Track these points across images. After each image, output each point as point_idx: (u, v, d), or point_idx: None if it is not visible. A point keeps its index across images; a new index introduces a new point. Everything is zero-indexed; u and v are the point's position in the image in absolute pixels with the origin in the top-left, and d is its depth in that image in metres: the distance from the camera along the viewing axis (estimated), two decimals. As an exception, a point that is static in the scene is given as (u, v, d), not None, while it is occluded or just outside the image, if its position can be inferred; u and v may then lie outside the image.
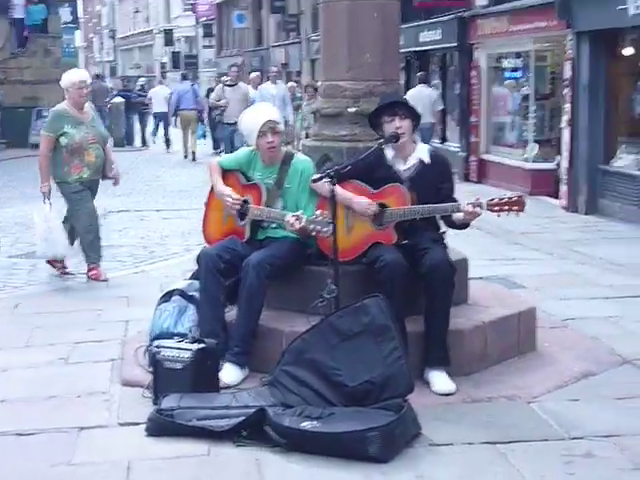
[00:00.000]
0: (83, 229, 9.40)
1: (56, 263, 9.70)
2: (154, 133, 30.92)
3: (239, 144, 17.51)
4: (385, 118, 6.01)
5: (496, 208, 5.65)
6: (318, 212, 5.73)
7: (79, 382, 6.09)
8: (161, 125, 29.75)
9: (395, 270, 5.63)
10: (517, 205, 5.63)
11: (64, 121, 9.15)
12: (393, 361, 5.21)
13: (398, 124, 5.93)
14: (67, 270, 9.74)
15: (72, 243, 9.57)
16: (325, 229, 5.61)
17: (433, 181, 5.98)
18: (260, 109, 6.58)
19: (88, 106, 9.51)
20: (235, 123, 17.95)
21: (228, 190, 6.29)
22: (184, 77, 29.39)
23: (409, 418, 5.04)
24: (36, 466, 4.81)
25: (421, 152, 6.10)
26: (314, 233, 5.72)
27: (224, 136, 21.10)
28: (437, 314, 5.76)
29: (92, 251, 9.47)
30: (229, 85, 20.88)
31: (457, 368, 5.88)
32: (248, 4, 49.96)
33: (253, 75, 23.47)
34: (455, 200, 5.89)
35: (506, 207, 5.63)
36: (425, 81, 20.19)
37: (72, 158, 9.15)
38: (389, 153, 6.05)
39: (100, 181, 9.59)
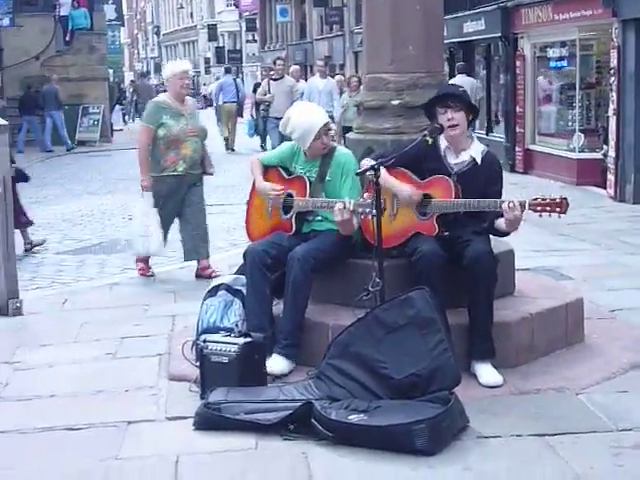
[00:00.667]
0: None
1: (140, 263, 9.56)
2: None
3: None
4: (438, 109, 5.98)
5: (538, 208, 5.59)
6: (365, 195, 5.74)
7: (127, 377, 6.13)
8: None
9: (431, 262, 5.63)
10: (559, 207, 5.57)
11: (163, 112, 8.95)
12: (439, 353, 5.19)
13: (450, 115, 5.90)
14: (150, 272, 9.55)
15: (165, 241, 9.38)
16: (373, 211, 5.58)
17: (481, 181, 5.93)
18: (313, 111, 6.51)
19: (189, 98, 9.31)
20: (282, 118, 17.80)
21: (269, 185, 6.32)
22: (227, 70, 29.77)
23: (456, 411, 5.02)
24: (85, 460, 4.85)
25: (475, 150, 6.05)
26: (362, 216, 5.73)
27: (270, 130, 20.36)
28: (480, 306, 5.73)
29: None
30: (274, 79, 20.43)
31: (504, 360, 5.85)
32: (291, -2, 50.05)
33: (293, 68, 22.96)
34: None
35: (548, 208, 5.57)
36: (465, 71, 20.18)
37: (168, 151, 9.00)
38: (442, 144, 6.02)
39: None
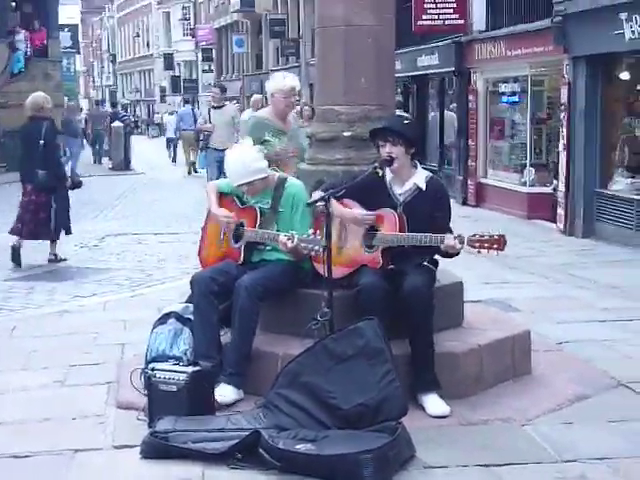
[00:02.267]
0: None
1: None
2: (171, 157, 35.32)
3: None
4: (379, 142, 6.06)
5: (477, 244, 5.68)
6: (310, 231, 5.80)
7: (75, 405, 6.10)
8: (172, 146, 35.72)
9: (371, 294, 5.70)
10: (497, 244, 5.65)
11: (265, 129, 8.07)
12: (387, 384, 5.23)
13: (388, 149, 5.98)
14: None
15: None
16: (316, 247, 5.69)
17: (427, 208, 6.00)
18: (240, 163, 6.29)
19: (292, 116, 8.59)
20: (223, 150, 17.07)
21: (223, 211, 6.35)
22: (186, 101, 31.17)
23: (403, 440, 5.05)
24: (31, 488, 4.82)
25: (418, 178, 6.13)
26: (306, 252, 5.79)
27: (209, 162, 18.40)
28: (419, 339, 5.79)
29: None
30: (215, 107, 18.74)
31: (452, 391, 5.89)
32: (247, 29, 50.25)
33: (256, 97, 21.32)
34: (451, 230, 5.89)
35: (486, 244, 5.65)
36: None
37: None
38: (388, 175, 6.09)
39: None
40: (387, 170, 6.06)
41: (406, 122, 6.34)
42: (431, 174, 6.27)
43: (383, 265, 5.93)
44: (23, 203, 12.11)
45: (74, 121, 29.30)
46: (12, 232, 12.07)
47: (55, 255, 12.28)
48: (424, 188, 6.08)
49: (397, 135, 6.00)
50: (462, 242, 5.67)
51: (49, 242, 12.26)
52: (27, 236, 12.08)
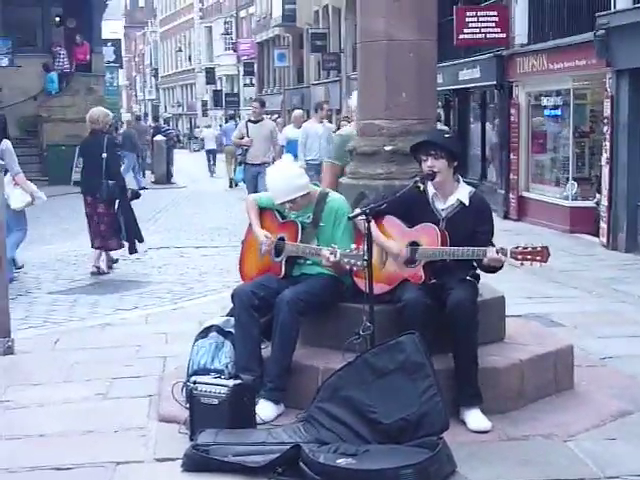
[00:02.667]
0: None
1: None
2: (210, 169, 37.68)
3: (264, 189, 15.22)
4: (421, 157, 6.05)
5: (519, 256, 5.65)
6: (352, 246, 5.80)
7: (116, 417, 6.13)
8: (211, 158, 38.69)
9: (415, 310, 5.68)
10: (540, 255, 5.62)
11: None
12: (428, 399, 5.21)
13: (430, 163, 5.97)
14: None
15: None
16: (359, 263, 5.68)
17: (470, 223, 5.98)
18: (280, 180, 6.26)
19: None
20: (260, 164, 16.59)
21: (262, 234, 6.35)
22: (230, 117, 31.80)
23: (444, 456, 5.03)
24: (73, 500, 4.85)
25: (461, 193, 6.11)
26: (348, 267, 5.79)
27: (246, 178, 17.66)
28: (463, 353, 5.77)
29: None
30: (252, 121, 17.87)
31: (493, 406, 5.86)
32: (289, 43, 50.44)
33: (297, 113, 21.77)
34: (493, 245, 5.87)
35: (529, 256, 5.63)
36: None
37: None
38: (430, 190, 6.08)
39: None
40: (429, 185, 6.05)
41: (447, 136, 6.33)
42: (474, 189, 6.25)
43: (425, 280, 5.91)
44: (88, 217, 12.45)
45: (133, 136, 29.77)
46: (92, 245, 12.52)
47: (98, 268, 12.45)
48: (467, 204, 6.06)
49: (439, 149, 5.99)
50: (505, 254, 5.65)
51: (96, 253, 12.48)
52: (98, 246, 12.46)
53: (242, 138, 17.58)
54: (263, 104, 19.49)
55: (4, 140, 11.71)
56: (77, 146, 28.79)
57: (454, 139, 6.59)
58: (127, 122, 32.17)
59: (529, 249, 5.64)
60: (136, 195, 13.07)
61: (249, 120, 18.18)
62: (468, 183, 6.37)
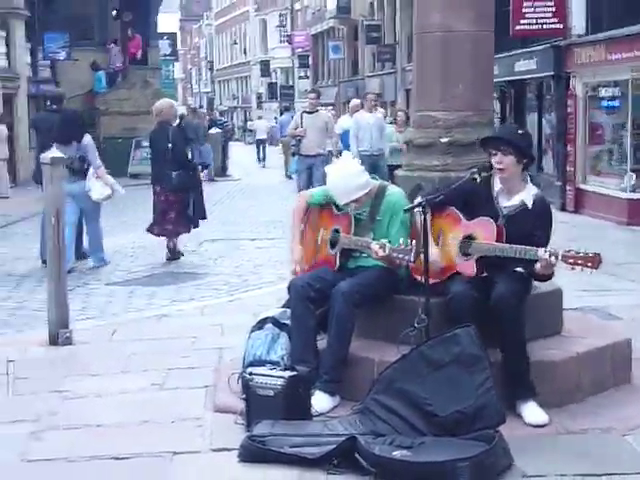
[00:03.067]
0: None
1: None
2: (258, 157, 39.09)
3: (318, 181, 15.05)
4: (491, 150, 6.01)
5: (570, 260, 5.57)
6: (401, 240, 5.79)
7: (173, 408, 6.17)
8: (261, 148, 40.52)
9: (462, 303, 5.65)
10: (592, 262, 5.53)
11: None
12: (484, 392, 5.19)
13: (499, 159, 5.92)
14: None
15: None
16: (407, 257, 5.68)
17: (529, 226, 5.90)
18: (342, 181, 6.20)
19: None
20: (315, 155, 16.72)
21: (298, 257, 6.44)
22: (286, 109, 31.89)
23: (500, 449, 5.01)
24: (130, 490, 4.90)
25: (527, 194, 6.04)
26: (397, 262, 5.78)
27: (300, 169, 17.68)
28: (509, 347, 5.73)
29: None
30: (308, 112, 17.69)
31: (550, 399, 5.82)
32: (344, 35, 50.39)
33: (355, 102, 21.38)
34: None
35: (580, 261, 5.53)
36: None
37: None
38: (497, 185, 6.04)
39: None
40: (497, 180, 6.00)
41: (520, 132, 6.25)
42: (539, 191, 6.16)
43: (477, 273, 5.88)
44: (156, 205, 12.95)
45: (204, 127, 29.80)
46: (148, 231, 13.15)
47: (172, 252, 13.00)
48: (530, 206, 6.01)
49: (509, 144, 5.94)
50: (557, 257, 5.59)
51: (171, 239, 13.02)
52: (160, 234, 13.05)
53: (297, 129, 17.44)
54: (319, 95, 19.35)
55: (86, 135, 12.35)
56: (133, 138, 29.50)
57: (527, 136, 6.50)
58: (198, 115, 32.35)
59: (581, 254, 5.56)
60: (206, 166, 13.54)
61: (304, 111, 18.01)
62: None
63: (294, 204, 6.72)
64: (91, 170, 12.08)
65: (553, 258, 5.58)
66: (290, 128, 18.20)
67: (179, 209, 12.85)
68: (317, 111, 17.81)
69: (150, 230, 13.10)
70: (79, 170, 11.98)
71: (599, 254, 5.56)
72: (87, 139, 12.28)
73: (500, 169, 5.92)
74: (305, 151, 17.16)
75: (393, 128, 18.19)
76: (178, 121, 14.12)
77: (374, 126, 17.61)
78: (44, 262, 11.08)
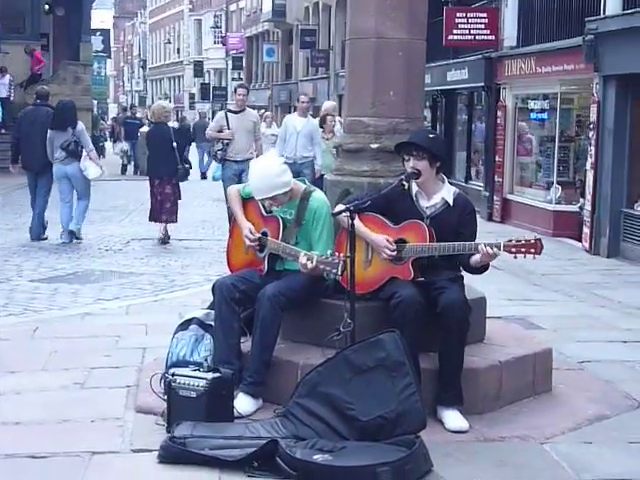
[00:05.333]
0: None
1: None
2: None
3: None
4: (404, 156, 6.06)
5: (513, 249, 5.66)
6: (329, 252, 5.77)
7: (93, 407, 6.11)
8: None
9: (410, 306, 5.65)
10: (534, 248, 5.64)
11: None
12: (406, 397, 5.22)
13: (412, 164, 5.97)
14: None
15: None
16: (334, 270, 5.63)
17: (454, 223, 5.99)
18: (261, 176, 6.18)
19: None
20: (244, 161, 14.36)
21: (247, 228, 6.31)
22: (221, 109, 32.17)
23: (421, 454, 5.03)
24: (47, 489, 4.83)
25: (446, 192, 6.11)
26: (324, 274, 5.74)
27: (227, 176, 15.06)
28: (451, 353, 5.77)
29: None
30: (234, 112, 15.35)
31: (471, 407, 5.87)
32: (278, 38, 50.42)
33: (268, 113, 21.20)
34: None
35: (523, 249, 5.64)
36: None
37: None
38: (414, 188, 6.08)
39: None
40: (413, 183, 6.05)
41: (432, 136, 6.32)
42: (458, 190, 6.25)
43: (414, 277, 5.91)
44: (154, 196, 14.72)
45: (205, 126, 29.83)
46: (151, 219, 15.03)
47: (166, 234, 14.93)
48: (451, 203, 6.06)
49: (422, 149, 5.99)
50: (499, 247, 5.65)
51: (163, 225, 14.87)
52: (159, 221, 14.86)
53: (221, 131, 15.13)
54: (248, 91, 16.99)
55: (79, 122, 14.50)
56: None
57: (439, 140, 6.58)
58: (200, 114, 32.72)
59: (522, 242, 5.65)
60: (185, 176, 15.05)
61: (229, 110, 15.84)
62: (453, 184, 6.38)
63: (229, 195, 6.65)
64: (84, 152, 14.14)
65: (495, 249, 5.63)
66: (211, 129, 15.63)
67: (174, 200, 14.72)
68: (245, 110, 15.48)
69: (155, 219, 14.90)
70: (74, 153, 14.01)
71: (539, 239, 5.66)
72: (80, 126, 14.37)
73: (415, 173, 5.96)
74: (233, 156, 14.98)
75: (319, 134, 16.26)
76: (177, 123, 16.21)
77: (302, 133, 15.94)
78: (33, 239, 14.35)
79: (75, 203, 14.60)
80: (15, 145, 15.10)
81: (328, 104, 18.36)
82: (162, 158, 14.39)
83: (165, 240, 14.88)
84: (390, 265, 5.97)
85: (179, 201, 14.98)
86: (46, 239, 14.61)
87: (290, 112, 20.64)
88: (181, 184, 14.95)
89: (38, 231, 14.61)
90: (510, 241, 5.68)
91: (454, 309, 5.69)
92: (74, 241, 14.38)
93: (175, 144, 14.41)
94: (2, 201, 20.93)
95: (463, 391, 5.82)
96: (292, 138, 15.92)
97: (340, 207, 5.92)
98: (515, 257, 5.69)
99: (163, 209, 14.69)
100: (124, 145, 32.47)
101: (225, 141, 15.00)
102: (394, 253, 5.92)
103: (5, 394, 6.44)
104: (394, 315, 5.68)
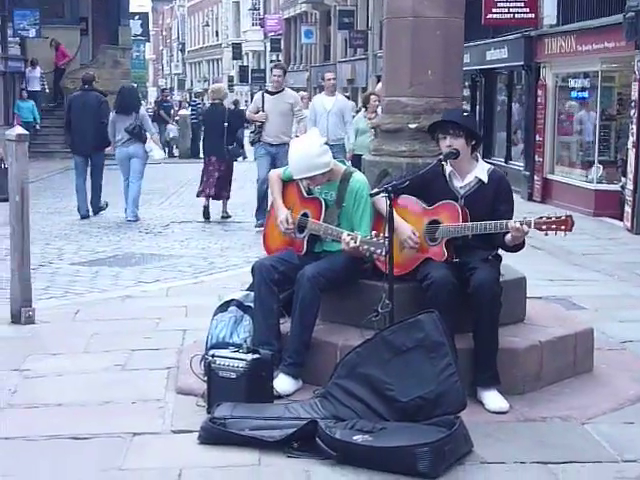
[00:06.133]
0: None
1: None
2: None
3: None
4: (439, 135, 6.02)
5: (544, 227, 5.61)
6: (373, 233, 5.75)
7: (134, 389, 6.16)
8: None
9: (442, 288, 5.64)
10: (564, 224, 5.58)
11: None
12: (446, 378, 5.19)
13: (449, 142, 5.94)
14: None
15: None
16: (379, 250, 5.61)
17: (489, 201, 5.95)
18: (301, 155, 6.17)
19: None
20: (278, 145, 14.14)
21: (285, 214, 6.28)
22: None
23: (461, 435, 5.02)
24: (88, 470, 4.87)
25: (480, 170, 6.08)
26: (367, 254, 5.73)
27: (259, 159, 14.67)
28: (484, 334, 5.74)
29: None
30: (271, 93, 14.75)
31: (511, 387, 5.85)
32: (316, 20, 50.27)
33: (303, 93, 20.33)
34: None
35: (553, 226, 5.59)
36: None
37: None
38: (447, 168, 6.05)
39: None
40: (447, 163, 6.02)
41: (466, 114, 6.30)
42: (493, 167, 6.21)
43: (447, 258, 5.88)
44: (208, 172, 15.37)
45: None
46: (198, 195, 15.67)
47: (227, 212, 15.79)
48: (486, 181, 6.03)
49: (457, 127, 5.95)
50: (529, 225, 5.61)
51: (222, 202, 15.71)
52: (213, 197, 15.48)
53: (257, 112, 14.59)
54: (285, 71, 15.62)
55: (142, 107, 15.71)
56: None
57: (472, 118, 6.55)
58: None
59: (553, 218, 5.60)
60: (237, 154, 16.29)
61: (266, 90, 15.23)
62: (493, 164, 6.33)
63: (269, 179, 6.65)
64: (148, 135, 15.30)
65: (525, 226, 5.60)
66: (249, 111, 15.17)
67: (228, 177, 15.43)
68: (283, 90, 14.75)
69: (202, 195, 15.51)
70: (139, 135, 14.94)
71: (570, 215, 5.61)
72: (143, 110, 15.53)
73: (453, 152, 5.93)
74: (267, 138, 14.40)
75: (361, 114, 16.29)
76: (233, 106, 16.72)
77: (332, 112, 15.53)
78: (82, 217, 15.35)
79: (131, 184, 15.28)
80: (67, 129, 16.24)
81: (379, 85, 17.87)
82: (218, 137, 15.10)
83: (224, 216, 15.69)
84: (424, 246, 5.95)
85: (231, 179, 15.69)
86: (106, 206, 16.10)
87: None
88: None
89: (97, 203, 15.82)
90: (541, 218, 5.63)
91: (484, 289, 5.66)
92: (136, 219, 15.21)
93: (227, 124, 15.05)
94: (44, 185, 21.09)
95: (503, 371, 5.79)
96: (322, 119, 15.45)
97: (378, 188, 5.90)
98: (546, 234, 5.65)
99: (221, 186, 15.34)
100: (172, 130, 32.51)
101: (258, 123, 14.53)
102: (417, 245, 5.90)
103: (47, 376, 6.49)
104: (428, 296, 5.67)
